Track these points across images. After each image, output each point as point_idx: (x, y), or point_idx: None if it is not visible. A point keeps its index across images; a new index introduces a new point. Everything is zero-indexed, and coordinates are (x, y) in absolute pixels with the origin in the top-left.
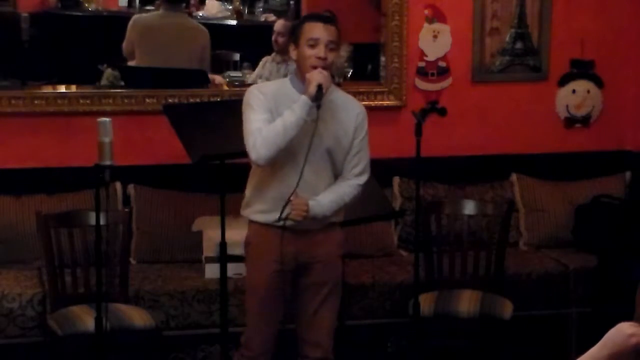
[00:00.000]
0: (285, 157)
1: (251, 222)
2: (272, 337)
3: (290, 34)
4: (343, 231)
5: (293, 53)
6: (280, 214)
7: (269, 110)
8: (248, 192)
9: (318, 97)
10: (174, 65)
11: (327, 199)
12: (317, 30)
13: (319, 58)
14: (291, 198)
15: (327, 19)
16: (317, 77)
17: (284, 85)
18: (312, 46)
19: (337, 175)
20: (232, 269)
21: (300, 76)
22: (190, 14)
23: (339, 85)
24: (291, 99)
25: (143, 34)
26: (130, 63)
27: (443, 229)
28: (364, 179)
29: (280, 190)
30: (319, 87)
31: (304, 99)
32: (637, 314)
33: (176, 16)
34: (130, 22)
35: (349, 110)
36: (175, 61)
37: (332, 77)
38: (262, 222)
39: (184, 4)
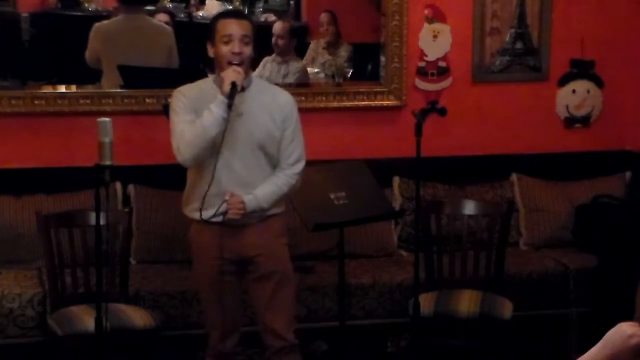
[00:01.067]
0: (212, 155)
1: (190, 219)
2: (232, 321)
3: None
4: (285, 219)
5: (211, 51)
6: (215, 212)
7: (193, 110)
8: (185, 190)
9: (232, 95)
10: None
11: (263, 191)
12: (230, 27)
13: (234, 53)
14: (226, 197)
15: (238, 14)
16: (230, 75)
17: (207, 85)
18: (227, 42)
19: (274, 168)
20: None
21: (220, 74)
22: (190, 14)
23: (338, 85)
24: (213, 97)
25: (107, 42)
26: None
27: (443, 229)
28: (299, 167)
29: (211, 188)
30: (233, 84)
31: (220, 97)
32: (637, 314)
33: (137, 19)
34: (92, 31)
35: (277, 101)
36: (143, 64)
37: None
38: (198, 220)
39: (143, 6)
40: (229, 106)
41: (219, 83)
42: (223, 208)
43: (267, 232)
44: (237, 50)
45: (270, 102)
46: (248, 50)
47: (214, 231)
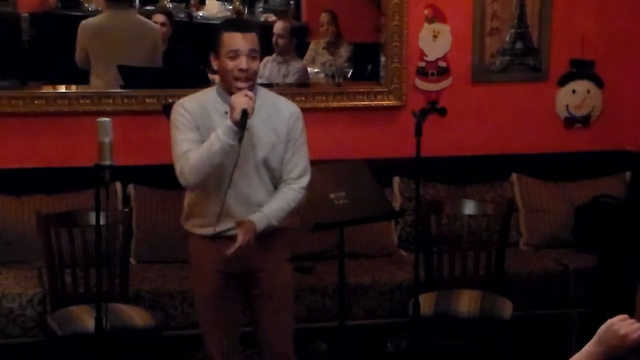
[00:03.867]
0: (218, 174)
1: (190, 234)
2: (233, 343)
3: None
4: (288, 233)
5: (214, 64)
6: (215, 230)
7: (196, 127)
8: (185, 205)
9: (243, 123)
10: (126, 64)
11: (271, 208)
12: (236, 41)
13: (241, 70)
14: (235, 226)
15: (245, 26)
16: (241, 102)
17: (209, 97)
18: (233, 58)
19: (276, 183)
20: None
21: (223, 87)
22: (190, 14)
23: (338, 85)
24: (217, 110)
25: (93, 38)
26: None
27: (443, 229)
28: (305, 181)
29: (216, 206)
30: (244, 112)
31: (228, 124)
32: (637, 314)
33: (123, 14)
34: (79, 28)
35: (280, 114)
36: (128, 60)
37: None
38: (201, 235)
39: (129, 2)
40: (240, 139)
41: (228, 96)
42: (223, 227)
43: (271, 247)
44: (244, 66)
45: (274, 114)
46: (255, 65)
47: (215, 245)
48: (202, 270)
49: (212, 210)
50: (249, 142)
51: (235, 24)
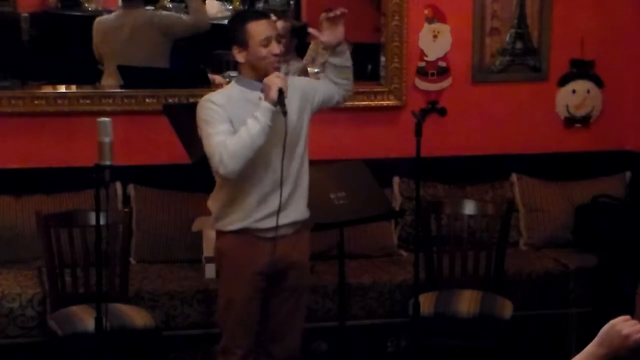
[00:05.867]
0: (258, 160)
1: (224, 232)
2: (251, 344)
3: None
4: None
5: (240, 56)
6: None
7: (227, 119)
8: (217, 204)
9: (281, 102)
10: (135, 63)
11: None
12: (266, 29)
13: (275, 54)
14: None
15: (267, 14)
16: (276, 81)
17: (233, 89)
18: (266, 45)
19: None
20: None
21: (253, 76)
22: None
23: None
24: (245, 99)
25: (104, 36)
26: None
27: (443, 229)
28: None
29: (259, 193)
30: (280, 91)
31: (265, 105)
32: (637, 313)
33: (133, 14)
34: (93, 26)
35: (294, 88)
36: (136, 59)
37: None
38: (239, 229)
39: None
40: (284, 113)
41: (252, 83)
42: (257, 217)
43: (300, 244)
44: (277, 51)
45: (292, 94)
46: (282, 48)
47: (251, 243)
48: (241, 273)
49: (253, 200)
50: (282, 125)
51: (258, 13)
